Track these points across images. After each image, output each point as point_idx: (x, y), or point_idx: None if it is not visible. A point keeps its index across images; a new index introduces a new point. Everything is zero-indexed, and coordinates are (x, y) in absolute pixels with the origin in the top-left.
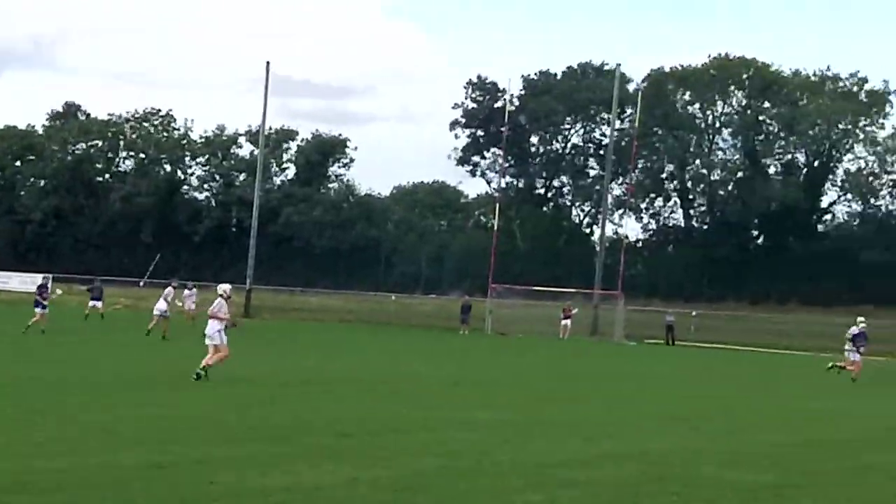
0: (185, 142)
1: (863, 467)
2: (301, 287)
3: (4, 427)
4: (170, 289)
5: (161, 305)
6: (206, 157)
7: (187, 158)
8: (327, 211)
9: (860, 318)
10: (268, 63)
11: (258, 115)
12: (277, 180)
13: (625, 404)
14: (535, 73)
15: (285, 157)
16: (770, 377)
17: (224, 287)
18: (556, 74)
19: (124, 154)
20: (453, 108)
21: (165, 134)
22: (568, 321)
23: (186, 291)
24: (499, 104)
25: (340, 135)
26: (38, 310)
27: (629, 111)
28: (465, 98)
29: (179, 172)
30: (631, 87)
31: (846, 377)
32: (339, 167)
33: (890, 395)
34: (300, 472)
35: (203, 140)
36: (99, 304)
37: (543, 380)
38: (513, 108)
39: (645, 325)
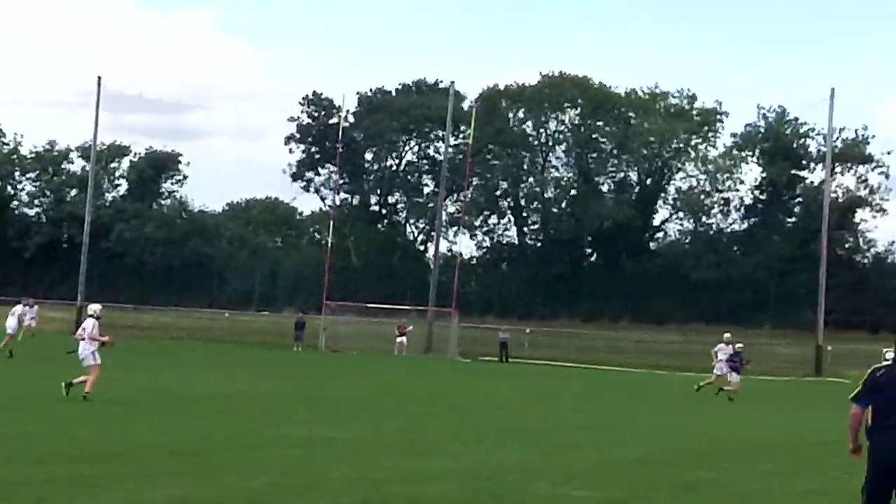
0: (14, 157)
1: (692, 482)
2: (134, 304)
3: None
4: (19, 306)
5: (11, 323)
6: (37, 172)
7: (17, 174)
8: (160, 227)
9: (727, 335)
10: (99, 78)
11: (90, 130)
12: (109, 196)
13: (459, 421)
14: (370, 90)
15: (118, 172)
16: (603, 394)
17: (94, 307)
18: (390, 91)
19: None
20: (289, 120)
21: None
22: (403, 338)
23: (28, 308)
24: (334, 120)
25: (174, 150)
26: None
27: (463, 129)
28: (301, 113)
29: (9, 188)
30: (466, 105)
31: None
32: (171, 183)
33: (720, 411)
34: (131, 491)
35: (33, 155)
36: None
37: (377, 397)
38: (347, 124)
39: (479, 341)
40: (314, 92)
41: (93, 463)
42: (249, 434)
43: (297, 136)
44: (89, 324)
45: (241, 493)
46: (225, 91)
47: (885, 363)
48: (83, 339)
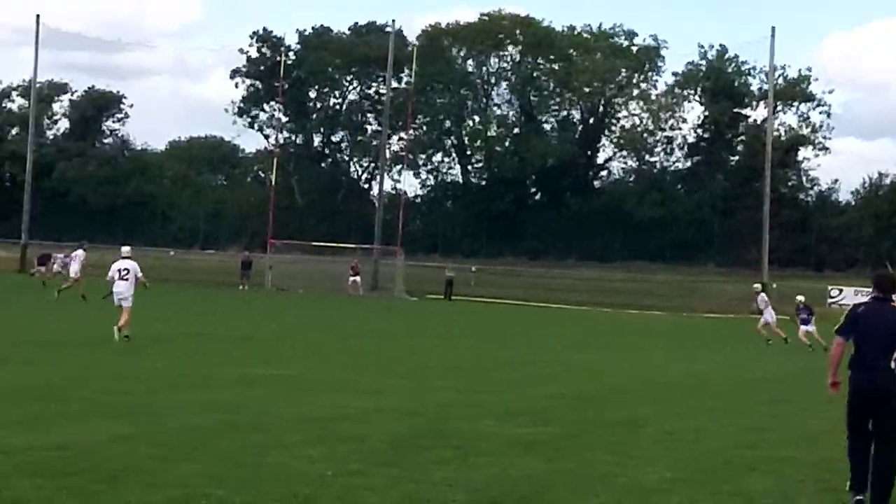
0: None
1: (636, 419)
2: (78, 243)
3: None
4: (80, 251)
5: (75, 268)
6: None
7: None
8: (102, 166)
9: (757, 285)
10: (38, 16)
11: (30, 68)
12: (50, 134)
13: (404, 360)
14: (314, 28)
15: (59, 110)
16: (547, 332)
17: (129, 249)
18: (337, 31)
19: None
20: (240, 52)
21: None
22: (357, 277)
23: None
24: (280, 58)
25: (119, 91)
26: None
27: (406, 69)
28: (249, 47)
29: None
30: (409, 47)
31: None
32: (113, 122)
33: (666, 350)
34: (76, 430)
35: None
36: None
37: (324, 336)
38: (290, 62)
39: (425, 280)
40: (265, 28)
41: (39, 402)
42: (198, 372)
43: (245, 69)
44: (135, 266)
45: (194, 431)
46: (167, 29)
47: (863, 300)
48: (125, 281)
